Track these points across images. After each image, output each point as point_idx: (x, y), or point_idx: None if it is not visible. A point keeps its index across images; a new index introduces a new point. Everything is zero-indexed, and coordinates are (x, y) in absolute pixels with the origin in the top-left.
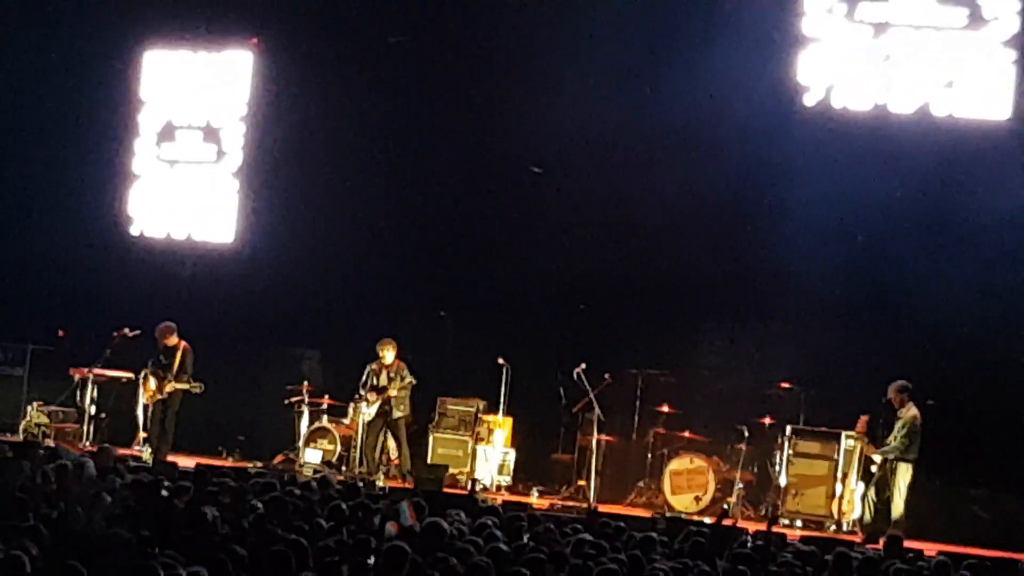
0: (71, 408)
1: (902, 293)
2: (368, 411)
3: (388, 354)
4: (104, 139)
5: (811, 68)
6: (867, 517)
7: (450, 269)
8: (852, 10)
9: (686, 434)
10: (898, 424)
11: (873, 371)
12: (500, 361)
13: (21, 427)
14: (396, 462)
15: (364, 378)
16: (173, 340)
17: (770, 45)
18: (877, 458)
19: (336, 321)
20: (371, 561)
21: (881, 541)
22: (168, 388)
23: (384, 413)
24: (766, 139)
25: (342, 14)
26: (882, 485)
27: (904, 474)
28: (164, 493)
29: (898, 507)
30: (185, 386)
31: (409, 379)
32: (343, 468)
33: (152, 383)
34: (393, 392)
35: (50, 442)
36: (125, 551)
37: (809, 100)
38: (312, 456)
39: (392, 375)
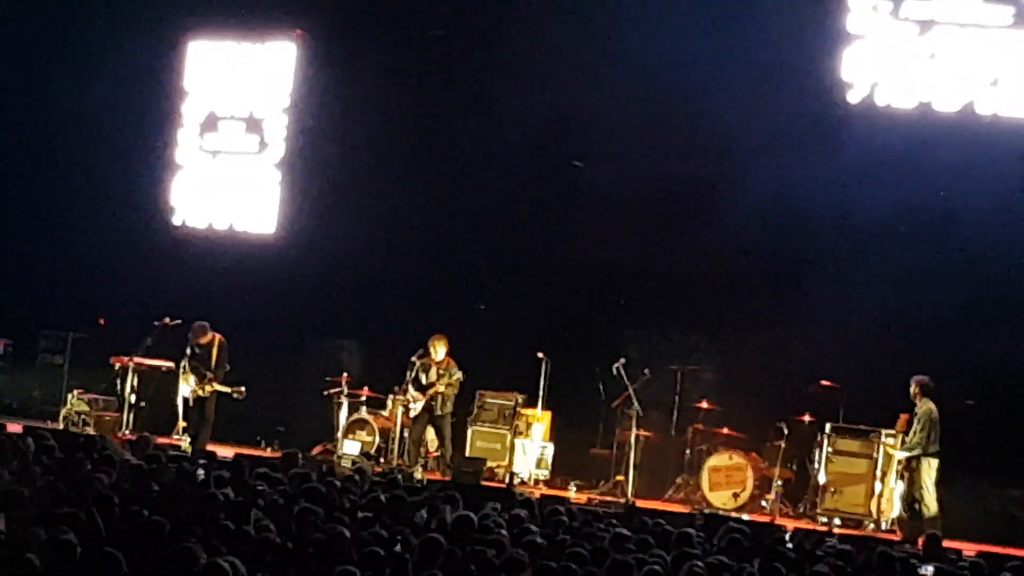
0: (111, 396)
1: (943, 291)
2: (415, 406)
3: (440, 350)
4: (147, 129)
5: (856, 65)
6: (903, 515)
7: (490, 262)
8: (897, 7)
9: (725, 430)
10: (915, 420)
11: (913, 369)
12: (539, 355)
13: (62, 415)
14: (433, 455)
15: (412, 373)
16: (208, 337)
17: (815, 42)
18: (901, 455)
19: (376, 313)
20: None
21: (920, 541)
22: (210, 390)
23: (430, 408)
24: (810, 136)
25: (385, 6)
26: (910, 483)
27: (928, 470)
28: (200, 477)
29: (929, 504)
30: (227, 390)
31: (458, 375)
32: (381, 460)
33: (192, 380)
34: (441, 388)
35: (90, 430)
36: (162, 537)
37: (853, 97)
38: (350, 447)
39: (442, 372)
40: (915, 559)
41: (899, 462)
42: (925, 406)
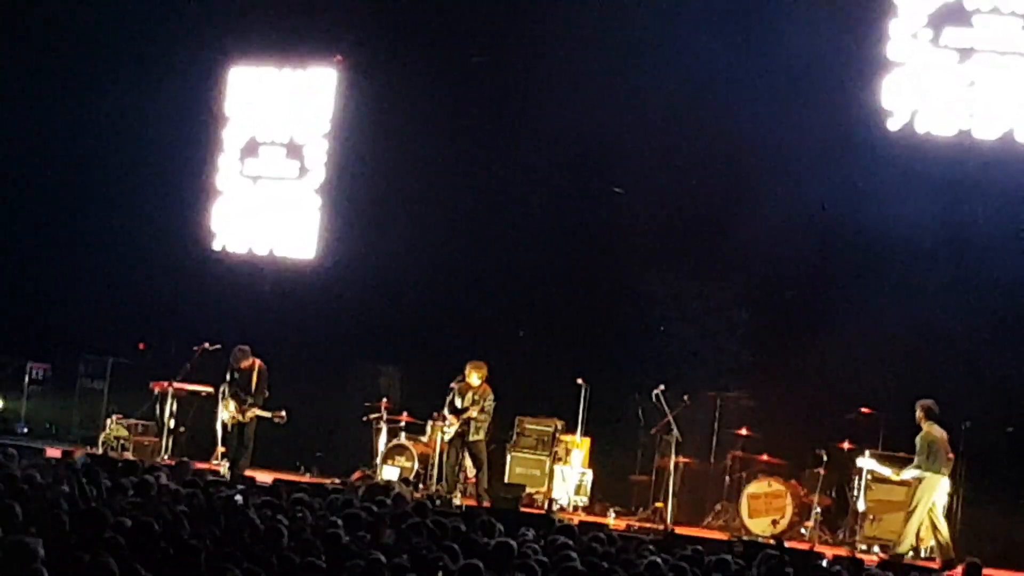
0: (150, 421)
1: (984, 318)
2: (448, 430)
3: (474, 377)
4: (188, 154)
5: (895, 93)
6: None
7: (530, 288)
8: (937, 35)
9: (764, 457)
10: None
11: (953, 397)
12: (579, 381)
13: (100, 439)
14: (472, 480)
15: (450, 397)
16: (248, 362)
17: (855, 69)
18: (906, 476)
19: (415, 338)
20: None
21: (960, 568)
22: (250, 415)
23: (461, 434)
24: (849, 164)
25: (425, 32)
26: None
27: (927, 490)
28: (239, 502)
29: (914, 523)
30: (267, 414)
31: (491, 403)
32: (420, 485)
33: (232, 406)
34: (473, 414)
35: (129, 455)
36: (200, 561)
37: (893, 125)
38: (389, 473)
39: (476, 398)
40: None
41: (908, 485)
42: (925, 430)
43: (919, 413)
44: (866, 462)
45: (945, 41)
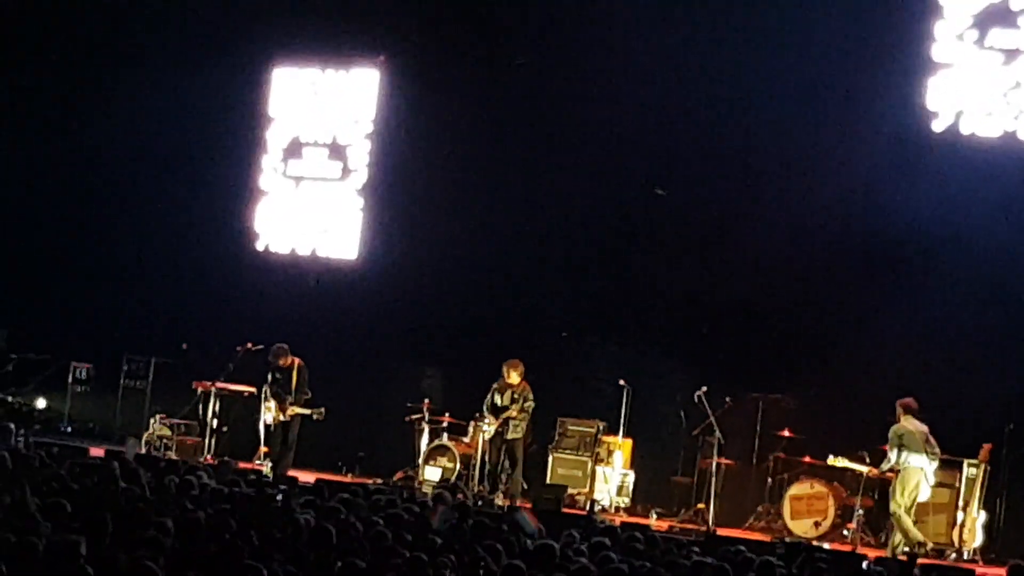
0: (193, 421)
1: None
2: (488, 430)
3: (513, 375)
4: (232, 155)
5: (941, 94)
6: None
7: (572, 290)
8: (983, 36)
9: (806, 459)
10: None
11: (997, 399)
12: (621, 383)
13: (144, 439)
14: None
15: (488, 397)
16: (288, 360)
17: (900, 71)
18: (883, 468)
19: (457, 339)
20: None
21: (1005, 569)
22: (290, 412)
23: (502, 433)
24: (894, 164)
25: (468, 34)
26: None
27: (900, 482)
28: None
29: (896, 512)
30: (307, 411)
31: (530, 403)
32: (462, 486)
33: (273, 405)
34: (513, 413)
35: (172, 455)
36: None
37: (938, 126)
38: (431, 474)
39: (516, 396)
40: None
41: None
42: (897, 424)
43: (898, 411)
44: (839, 461)
45: (991, 42)
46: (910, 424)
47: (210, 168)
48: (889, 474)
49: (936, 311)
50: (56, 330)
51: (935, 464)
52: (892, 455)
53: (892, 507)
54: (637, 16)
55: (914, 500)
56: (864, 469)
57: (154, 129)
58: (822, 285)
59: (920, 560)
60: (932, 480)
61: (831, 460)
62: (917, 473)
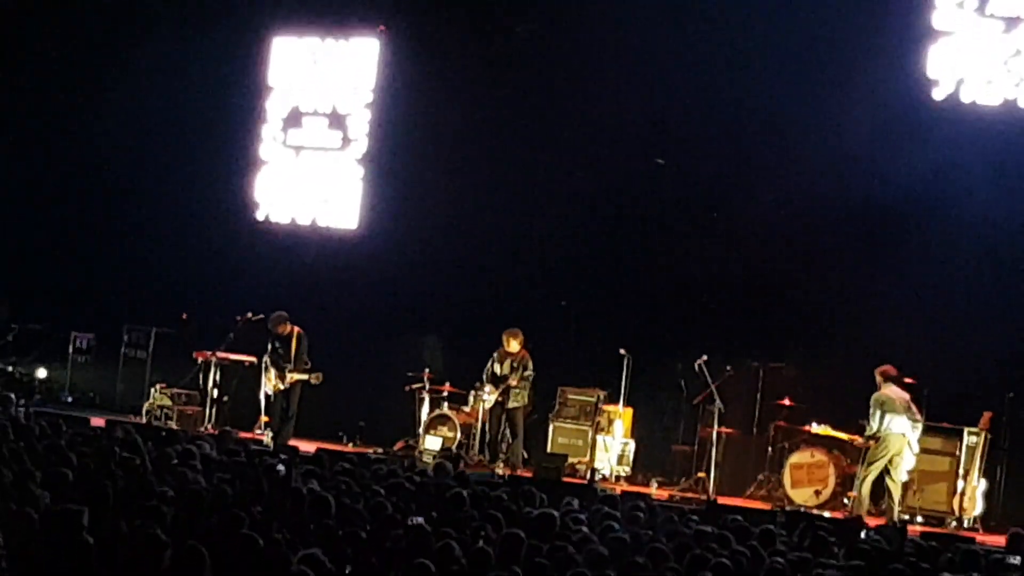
0: (194, 391)
1: None
2: (488, 399)
3: (513, 344)
4: (231, 125)
5: (941, 62)
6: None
7: (573, 258)
8: (983, 5)
9: (807, 428)
10: None
11: (997, 367)
12: (621, 351)
13: (144, 409)
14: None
15: (488, 365)
16: (287, 328)
17: (900, 39)
18: (860, 439)
19: (458, 308)
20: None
21: (1005, 537)
22: (289, 379)
23: (502, 402)
24: (895, 133)
25: (469, 2)
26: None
27: (882, 449)
28: (280, 472)
29: (865, 482)
30: (305, 376)
31: (530, 372)
32: (462, 456)
33: (273, 374)
34: (513, 382)
35: (173, 424)
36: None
37: (938, 94)
38: (432, 443)
39: (515, 365)
40: (999, 555)
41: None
42: (878, 392)
43: (877, 379)
44: (822, 429)
45: (991, 10)
46: (891, 391)
47: (210, 138)
48: (871, 442)
49: (936, 279)
50: (57, 300)
51: (918, 430)
52: (874, 422)
53: (859, 471)
54: None
55: (901, 468)
56: (846, 437)
57: (154, 100)
58: (822, 254)
59: (920, 528)
60: (916, 447)
61: (815, 428)
62: (900, 440)
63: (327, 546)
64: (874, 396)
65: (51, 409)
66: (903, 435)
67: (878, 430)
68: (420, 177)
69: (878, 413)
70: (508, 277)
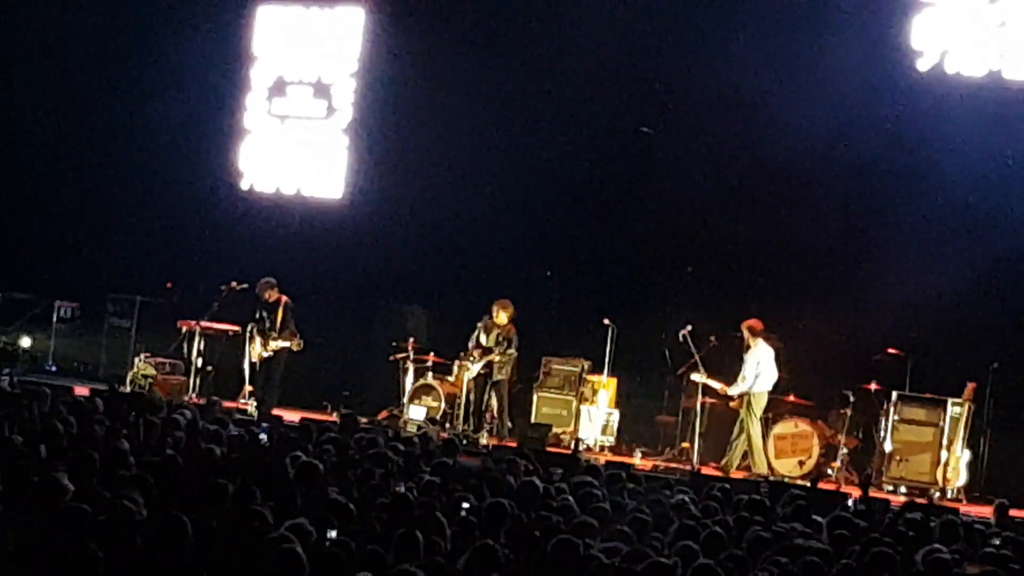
0: (178, 360)
1: (1012, 260)
2: (473, 368)
3: (502, 315)
4: (216, 94)
5: (925, 33)
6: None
7: (558, 228)
8: None
9: (791, 398)
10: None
11: (981, 338)
12: (606, 321)
13: (128, 378)
14: (496, 419)
15: (474, 334)
16: (274, 295)
17: (885, 9)
18: (732, 392)
19: (443, 278)
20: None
21: (991, 508)
22: (272, 346)
23: (486, 374)
24: (879, 104)
25: None
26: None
27: (756, 405)
28: (263, 442)
29: (757, 443)
30: (288, 343)
31: (513, 351)
32: (447, 425)
33: (257, 342)
34: (496, 357)
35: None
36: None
37: (923, 65)
38: (416, 413)
39: (501, 339)
40: (982, 526)
41: (734, 401)
42: (753, 347)
43: (745, 333)
44: (698, 377)
45: None
46: (763, 347)
47: (195, 107)
48: (736, 400)
49: (921, 250)
50: (41, 269)
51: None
52: (749, 379)
53: (752, 432)
54: None
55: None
56: (719, 387)
57: (137, 67)
58: (807, 223)
59: (902, 499)
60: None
61: (694, 376)
62: (764, 397)
63: (312, 514)
64: (753, 352)
65: (35, 378)
66: (766, 392)
67: (754, 385)
68: (405, 146)
69: (756, 367)
70: (492, 247)
